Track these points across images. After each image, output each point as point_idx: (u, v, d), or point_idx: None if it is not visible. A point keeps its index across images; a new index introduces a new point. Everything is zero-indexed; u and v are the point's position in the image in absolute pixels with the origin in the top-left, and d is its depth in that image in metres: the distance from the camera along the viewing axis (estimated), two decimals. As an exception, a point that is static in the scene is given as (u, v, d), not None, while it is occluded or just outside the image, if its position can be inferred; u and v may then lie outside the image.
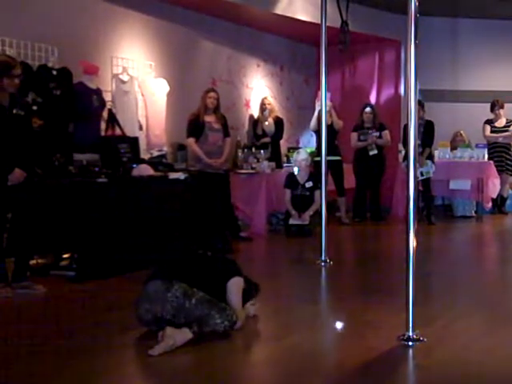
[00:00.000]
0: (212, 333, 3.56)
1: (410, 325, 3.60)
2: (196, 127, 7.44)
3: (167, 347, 3.38)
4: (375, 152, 9.48)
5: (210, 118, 7.48)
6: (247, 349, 3.67)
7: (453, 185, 9.87)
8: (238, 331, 3.71)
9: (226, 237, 6.87)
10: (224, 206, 7.57)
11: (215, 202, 7.39)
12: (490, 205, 10.07)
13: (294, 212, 8.21)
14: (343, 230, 8.98)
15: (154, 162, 6.92)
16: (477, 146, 10.31)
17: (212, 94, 7.50)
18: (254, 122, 9.62)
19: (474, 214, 10.01)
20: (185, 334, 3.48)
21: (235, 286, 3.90)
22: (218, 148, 7.51)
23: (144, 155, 7.30)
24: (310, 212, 8.17)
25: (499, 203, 10.49)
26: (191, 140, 7.49)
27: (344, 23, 6.70)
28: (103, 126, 7.18)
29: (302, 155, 8.54)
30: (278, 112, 9.81)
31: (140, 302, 3.74)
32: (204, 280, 3.82)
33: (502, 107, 10.48)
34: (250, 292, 4.08)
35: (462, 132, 10.81)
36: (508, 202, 10.63)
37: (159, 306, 3.64)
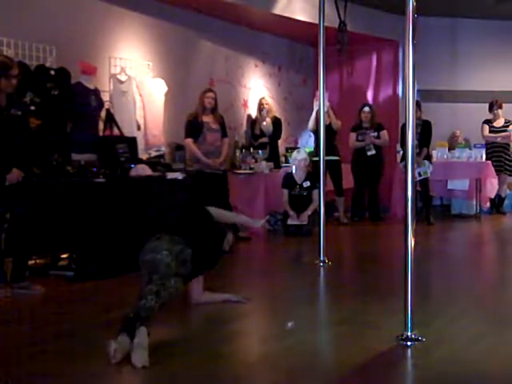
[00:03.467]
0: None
1: (409, 325, 3.60)
2: (194, 127, 7.44)
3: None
4: (373, 152, 9.47)
5: (207, 118, 7.47)
6: (246, 349, 3.66)
7: (451, 185, 9.88)
8: (237, 332, 3.70)
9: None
10: (222, 206, 7.55)
11: (213, 202, 7.36)
12: (488, 205, 10.09)
13: (291, 212, 8.20)
14: (342, 230, 8.98)
15: (152, 162, 6.92)
16: (475, 146, 10.32)
17: (210, 94, 7.50)
18: (252, 122, 9.62)
19: (472, 213, 10.02)
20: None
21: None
22: (215, 148, 7.51)
23: (142, 155, 7.30)
24: (309, 212, 8.16)
25: (497, 203, 10.51)
26: (189, 140, 7.49)
27: (342, 23, 6.69)
28: (101, 126, 7.17)
29: (301, 155, 8.53)
30: (276, 112, 9.82)
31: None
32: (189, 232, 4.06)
33: (500, 107, 10.49)
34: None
35: (458, 132, 10.83)
36: (506, 202, 10.65)
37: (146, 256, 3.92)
